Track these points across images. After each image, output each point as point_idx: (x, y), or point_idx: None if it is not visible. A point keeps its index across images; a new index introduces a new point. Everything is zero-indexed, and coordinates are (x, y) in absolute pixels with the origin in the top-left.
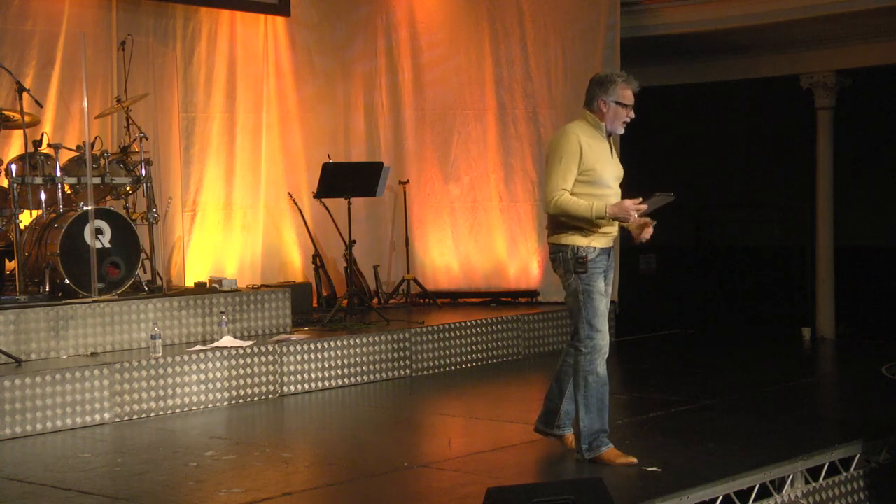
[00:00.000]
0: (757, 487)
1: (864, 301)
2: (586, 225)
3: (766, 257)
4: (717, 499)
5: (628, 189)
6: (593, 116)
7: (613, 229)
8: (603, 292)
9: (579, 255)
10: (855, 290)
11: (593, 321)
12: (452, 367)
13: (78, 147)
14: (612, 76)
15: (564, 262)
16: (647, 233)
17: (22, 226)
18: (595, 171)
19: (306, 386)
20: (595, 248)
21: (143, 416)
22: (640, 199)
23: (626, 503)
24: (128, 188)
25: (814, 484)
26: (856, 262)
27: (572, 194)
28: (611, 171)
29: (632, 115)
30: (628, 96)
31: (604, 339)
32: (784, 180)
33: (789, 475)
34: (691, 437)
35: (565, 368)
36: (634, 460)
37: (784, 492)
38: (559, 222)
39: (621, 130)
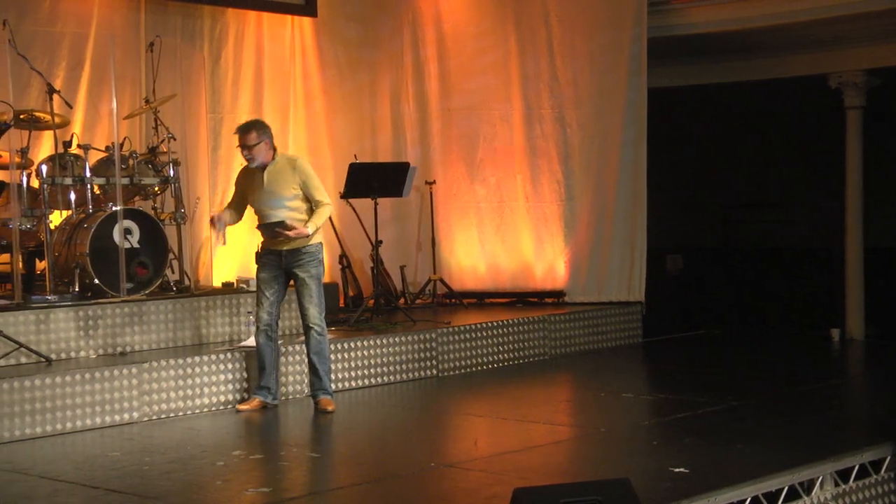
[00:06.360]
0: (786, 489)
1: (894, 302)
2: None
3: (794, 258)
4: (745, 500)
5: (657, 190)
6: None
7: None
8: (265, 282)
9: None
10: (885, 291)
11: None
12: (479, 368)
13: (107, 148)
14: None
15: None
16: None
17: (52, 226)
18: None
19: (333, 386)
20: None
21: (171, 415)
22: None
23: None
24: (156, 188)
25: (843, 486)
26: (886, 262)
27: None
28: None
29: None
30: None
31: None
32: (813, 180)
33: (818, 477)
34: (719, 438)
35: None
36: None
37: (813, 494)
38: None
39: (253, 163)
